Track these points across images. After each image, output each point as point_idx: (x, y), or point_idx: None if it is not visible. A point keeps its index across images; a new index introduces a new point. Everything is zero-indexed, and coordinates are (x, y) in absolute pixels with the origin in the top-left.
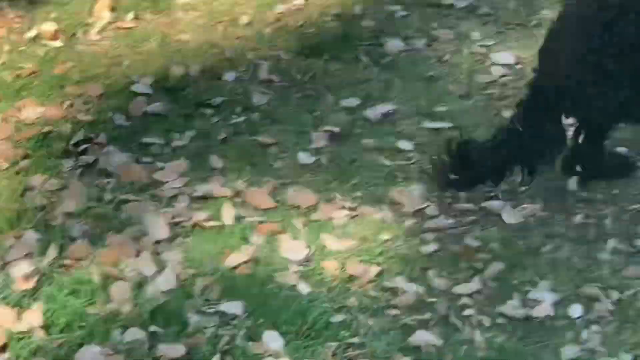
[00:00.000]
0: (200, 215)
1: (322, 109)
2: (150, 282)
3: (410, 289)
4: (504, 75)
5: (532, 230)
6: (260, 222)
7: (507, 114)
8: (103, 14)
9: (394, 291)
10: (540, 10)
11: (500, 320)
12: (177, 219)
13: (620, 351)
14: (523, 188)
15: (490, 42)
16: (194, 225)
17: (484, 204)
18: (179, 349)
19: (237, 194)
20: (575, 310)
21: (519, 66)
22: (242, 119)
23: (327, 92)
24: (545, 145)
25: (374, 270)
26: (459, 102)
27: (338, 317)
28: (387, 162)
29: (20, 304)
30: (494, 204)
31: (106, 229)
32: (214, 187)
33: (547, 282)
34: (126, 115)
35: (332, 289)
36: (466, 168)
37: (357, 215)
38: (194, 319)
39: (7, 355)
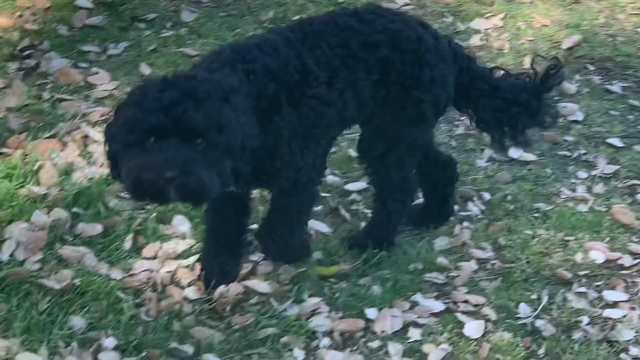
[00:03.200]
0: None
1: (243, 26)
2: (76, 170)
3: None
4: (406, 4)
5: None
6: None
7: None
8: None
9: None
10: None
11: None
12: (105, 117)
13: (483, 242)
14: None
15: None
16: None
17: None
18: (97, 227)
19: None
20: None
21: None
22: (171, 33)
23: (249, 13)
24: None
25: None
26: None
27: None
28: None
29: None
30: None
31: (42, 123)
32: None
33: None
34: (68, 26)
35: None
36: None
37: None
38: (112, 202)
39: None
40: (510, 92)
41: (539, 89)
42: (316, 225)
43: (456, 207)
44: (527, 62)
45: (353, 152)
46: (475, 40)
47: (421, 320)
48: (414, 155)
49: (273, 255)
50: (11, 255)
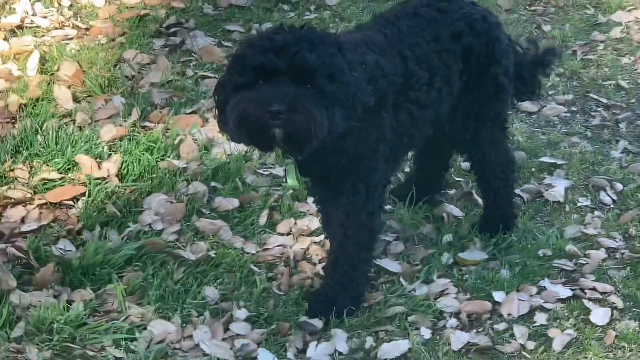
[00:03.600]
0: None
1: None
2: (216, 146)
3: None
4: None
5: (555, 127)
6: None
7: (547, 28)
8: None
9: None
10: None
11: (516, 200)
12: None
13: (613, 231)
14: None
15: None
16: None
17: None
18: (234, 202)
19: None
20: (583, 197)
21: None
22: (314, 15)
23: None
24: None
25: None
26: (505, 15)
27: None
28: None
29: (101, 155)
30: (524, 103)
31: (184, 99)
32: None
33: (562, 172)
34: (214, 5)
35: None
36: None
37: None
38: (250, 178)
39: (86, 196)
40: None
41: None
42: (448, 209)
43: (588, 196)
44: None
45: None
46: (615, 33)
47: (548, 305)
48: (503, 128)
49: (333, 293)
50: (149, 225)
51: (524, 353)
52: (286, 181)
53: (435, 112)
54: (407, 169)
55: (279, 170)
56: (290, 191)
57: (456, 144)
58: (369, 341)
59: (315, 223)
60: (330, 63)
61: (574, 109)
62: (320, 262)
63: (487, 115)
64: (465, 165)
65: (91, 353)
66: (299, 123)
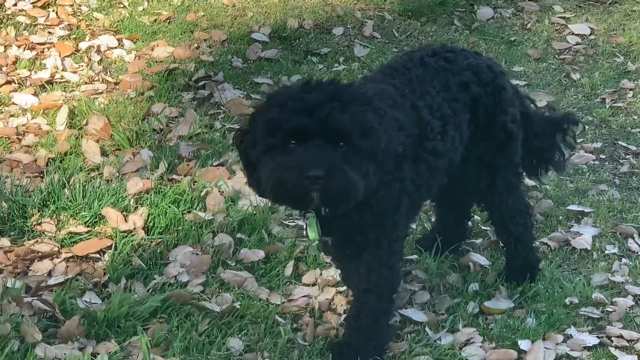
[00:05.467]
0: None
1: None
2: (242, 198)
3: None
4: (578, 44)
5: (583, 175)
6: None
7: (576, 76)
8: None
9: None
10: None
11: (543, 248)
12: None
13: None
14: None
15: (570, 15)
16: None
17: None
18: (259, 253)
19: None
20: (610, 245)
21: (592, 37)
22: (343, 67)
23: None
24: None
25: None
26: (534, 64)
27: None
28: None
29: (128, 208)
30: None
31: (211, 151)
32: None
33: (589, 219)
34: (243, 58)
35: None
36: None
37: None
38: (275, 229)
39: (112, 249)
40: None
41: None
42: (475, 257)
43: (616, 244)
44: None
45: None
46: None
47: (574, 354)
48: (517, 175)
49: (356, 344)
50: (175, 277)
51: None
52: (307, 235)
53: (450, 160)
54: (433, 219)
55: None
56: (316, 242)
57: (472, 194)
58: None
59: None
60: (362, 121)
61: (602, 156)
62: (344, 312)
63: (500, 163)
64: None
65: None
66: (337, 187)
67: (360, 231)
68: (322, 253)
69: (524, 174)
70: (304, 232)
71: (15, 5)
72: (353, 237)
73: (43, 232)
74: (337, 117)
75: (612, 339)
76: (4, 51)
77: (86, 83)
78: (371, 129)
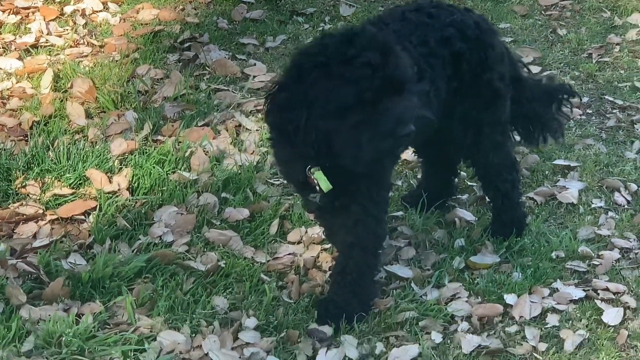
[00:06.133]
0: None
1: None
2: (227, 157)
3: None
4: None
5: (569, 129)
6: None
7: (562, 32)
8: None
9: None
10: None
11: (530, 203)
12: (259, 107)
13: (627, 232)
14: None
15: None
16: None
17: None
18: (244, 212)
19: None
20: (597, 199)
21: None
22: (328, 26)
23: None
24: None
25: None
26: (521, 21)
27: None
28: None
29: (112, 170)
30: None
31: (197, 112)
32: None
33: (576, 174)
34: (228, 19)
35: None
36: None
37: None
38: (260, 188)
39: (97, 210)
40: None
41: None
42: (461, 213)
43: (602, 198)
44: None
45: None
46: (632, 35)
47: (560, 307)
48: (503, 132)
49: (342, 300)
50: (160, 237)
51: (536, 355)
52: (319, 189)
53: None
54: (419, 176)
55: None
56: (301, 200)
57: (458, 150)
58: (379, 347)
59: None
60: (409, 68)
61: (589, 111)
62: (329, 270)
63: (486, 121)
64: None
65: None
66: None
67: (353, 180)
68: (307, 211)
69: (523, 142)
70: (316, 187)
71: None
72: (346, 186)
73: (28, 195)
74: (402, 70)
75: (598, 291)
76: None
77: (71, 46)
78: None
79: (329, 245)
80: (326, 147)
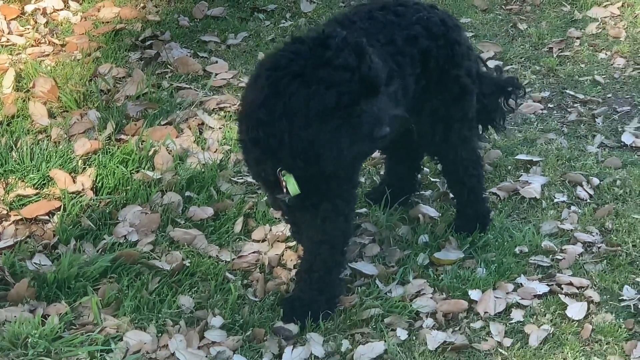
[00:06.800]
0: None
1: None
2: (191, 156)
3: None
4: None
5: (531, 124)
6: None
7: (523, 26)
8: None
9: None
10: None
11: (492, 198)
12: (222, 105)
13: (590, 226)
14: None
15: None
16: (236, 111)
17: None
18: (208, 211)
19: None
20: (559, 193)
21: None
22: (289, 23)
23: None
24: None
25: None
26: (481, 15)
27: None
28: None
29: (76, 169)
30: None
31: (159, 110)
32: None
33: (538, 168)
34: (189, 17)
35: None
36: None
37: None
38: (224, 186)
39: (61, 210)
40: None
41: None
42: (424, 209)
43: (565, 192)
44: None
45: None
46: (591, 28)
47: (524, 302)
48: (471, 128)
49: (308, 298)
50: (124, 236)
51: (501, 350)
52: (287, 192)
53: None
54: (382, 172)
55: None
56: (265, 198)
57: (426, 146)
58: (345, 344)
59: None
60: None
61: (550, 105)
62: (294, 268)
63: (455, 117)
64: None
65: None
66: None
67: (325, 180)
68: (272, 209)
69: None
70: (284, 190)
71: None
72: (318, 186)
73: None
74: (376, 71)
75: (562, 286)
76: None
77: (32, 46)
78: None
79: (294, 243)
80: (314, 156)
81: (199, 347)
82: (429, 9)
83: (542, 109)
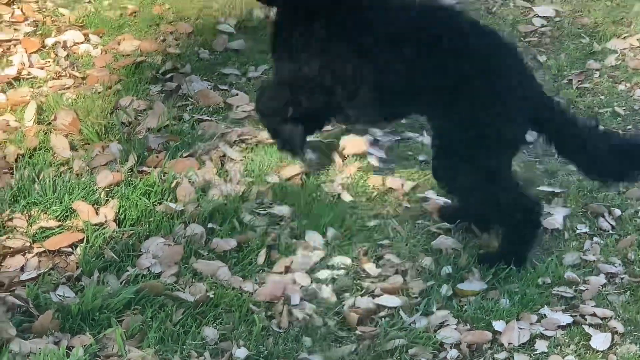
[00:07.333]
0: (264, 134)
1: None
2: (213, 188)
3: (439, 201)
4: (543, 26)
5: (552, 156)
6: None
7: (542, 58)
8: None
9: (425, 202)
10: None
11: None
12: (243, 137)
13: (612, 257)
14: None
15: None
16: (257, 143)
17: None
18: (231, 242)
19: None
20: (581, 224)
21: (557, 19)
22: None
23: None
24: None
25: (410, 184)
26: None
27: (373, 222)
28: None
29: (98, 201)
30: None
31: (181, 143)
32: None
33: (560, 200)
34: (210, 50)
35: (371, 198)
36: None
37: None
38: (247, 218)
39: (84, 242)
40: None
41: None
42: (447, 241)
43: (587, 223)
44: None
45: None
46: (610, 60)
47: (548, 333)
48: None
49: None
50: (148, 268)
51: None
52: None
53: None
54: None
55: (276, 209)
56: (288, 230)
57: None
58: None
59: (314, 258)
60: None
61: None
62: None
63: None
64: None
65: None
66: None
67: None
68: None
69: None
70: None
71: None
72: None
73: (14, 228)
74: None
75: (586, 317)
76: None
77: (53, 79)
78: None
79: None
80: None
81: None
82: None
83: None
